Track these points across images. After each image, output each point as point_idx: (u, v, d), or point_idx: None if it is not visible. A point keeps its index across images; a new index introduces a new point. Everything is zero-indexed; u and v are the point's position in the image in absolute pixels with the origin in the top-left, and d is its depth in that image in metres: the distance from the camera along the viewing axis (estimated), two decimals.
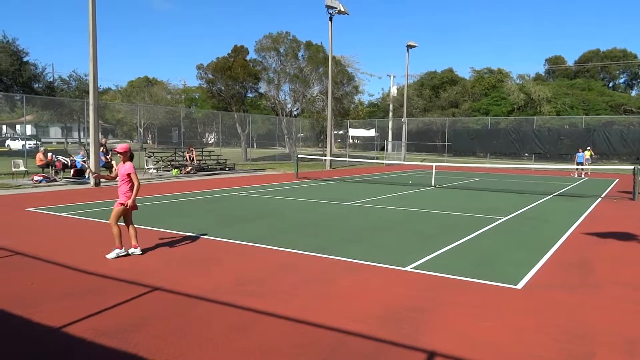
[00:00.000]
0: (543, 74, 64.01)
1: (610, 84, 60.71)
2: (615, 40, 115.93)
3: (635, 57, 58.24)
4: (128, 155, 7.01)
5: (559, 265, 6.87)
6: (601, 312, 5.02)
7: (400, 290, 5.65)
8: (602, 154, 33.89)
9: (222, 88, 39.32)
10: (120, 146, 7.07)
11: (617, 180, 23.68)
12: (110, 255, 6.87)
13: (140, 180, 7.30)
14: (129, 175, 6.98)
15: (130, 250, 7.08)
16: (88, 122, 18.55)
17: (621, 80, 62.21)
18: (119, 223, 6.98)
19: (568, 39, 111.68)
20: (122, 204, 6.95)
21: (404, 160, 37.82)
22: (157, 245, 7.72)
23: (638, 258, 7.43)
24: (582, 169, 26.29)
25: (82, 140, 39.28)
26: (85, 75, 44.54)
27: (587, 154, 26.89)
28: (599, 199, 15.11)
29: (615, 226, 10.22)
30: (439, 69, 59.81)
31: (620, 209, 13.13)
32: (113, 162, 19.98)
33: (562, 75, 61.53)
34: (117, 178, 7.09)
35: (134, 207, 7.12)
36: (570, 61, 63.36)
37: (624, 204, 14.30)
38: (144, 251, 7.24)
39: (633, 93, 59.84)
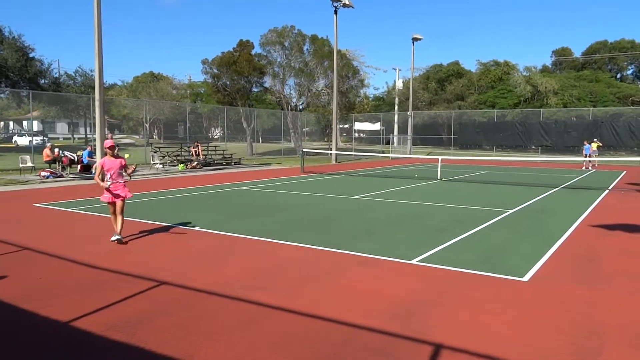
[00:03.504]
0: (550, 66, 63.47)
1: (618, 76, 60.09)
2: (623, 31, 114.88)
3: None
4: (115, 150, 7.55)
5: (566, 258, 6.83)
6: (609, 305, 4.99)
7: (408, 284, 5.64)
8: (610, 145, 33.63)
9: (228, 83, 39.29)
10: (107, 142, 7.55)
11: (625, 172, 23.50)
12: (114, 238, 7.36)
13: (147, 175, 7.56)
14: (123, 166, 7.55)
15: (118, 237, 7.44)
16: (94, 117, 18.60)
17: (629, 72, 61.62)
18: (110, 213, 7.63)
19: (575, 30, 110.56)
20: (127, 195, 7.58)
21: (410, 154, 37.69)
22: (164, 240, 7.75)
23: None
24: (590, 161, 26.12)
25: (88, 136, 39.42)
26: (91, 71, 44.67)
27: (594, 145, 26.68)
28: (607, 191, 15.00)
29: (623, 218, 10.14)
30: (445, 62, 59.47)
31: (628, 201, 13.03)
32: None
33: (569, 67, 60.98)
34: (110, 172, 7.39)
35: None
36: (577, 53, 62.85)
37: (631, 196, 14.19)
38: (151, 246, 7.29)
39: None
